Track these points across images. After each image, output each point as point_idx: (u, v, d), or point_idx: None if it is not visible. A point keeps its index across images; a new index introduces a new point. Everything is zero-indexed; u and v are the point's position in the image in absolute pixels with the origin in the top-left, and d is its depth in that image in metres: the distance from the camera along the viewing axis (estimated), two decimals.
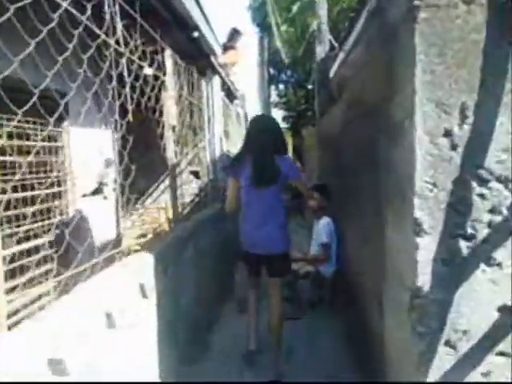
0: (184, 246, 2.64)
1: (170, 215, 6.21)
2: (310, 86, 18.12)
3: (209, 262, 3.36)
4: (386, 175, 1.75)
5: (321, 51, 5.34)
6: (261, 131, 2.68)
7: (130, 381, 1.66)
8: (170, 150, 2.86)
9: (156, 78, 2.73)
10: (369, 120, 2.17)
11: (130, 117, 2.10)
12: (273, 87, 19.40)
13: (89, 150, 3.18)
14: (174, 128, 2.83)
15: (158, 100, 2.75)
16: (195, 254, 2.85)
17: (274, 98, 19.83)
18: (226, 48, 6.92)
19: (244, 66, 7.36)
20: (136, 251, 2.36)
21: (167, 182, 6.65)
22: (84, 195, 3.17)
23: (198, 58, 3.77)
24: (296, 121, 17.14)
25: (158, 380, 2.03)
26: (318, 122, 5.53)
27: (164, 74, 2.81)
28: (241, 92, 6.82)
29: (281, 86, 19.28)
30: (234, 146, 5.90)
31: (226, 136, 5.35)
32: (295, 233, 8.93)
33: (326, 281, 3.80)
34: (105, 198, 3.51)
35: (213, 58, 4.10)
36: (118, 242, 3.53)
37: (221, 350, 2.98)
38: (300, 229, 7.61)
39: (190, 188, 6.88)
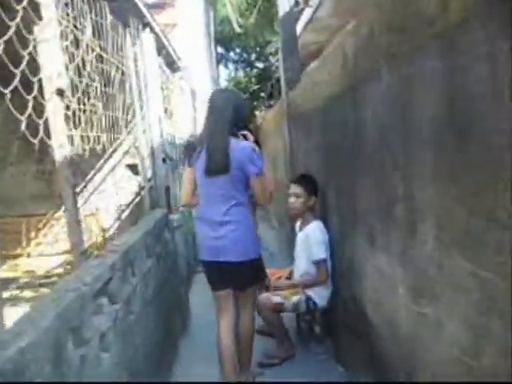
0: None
1: (103, 224, 4.88)
2: (261, 66, 17.03)
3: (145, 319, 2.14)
4: None
5: (284, 3, 4.17)
6: (218, 109, 2.20)
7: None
8: (60, 133, 1.60)
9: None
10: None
11: None
12: (222, 68, 18.10)
13: None
14: (61, 93, 1.57)
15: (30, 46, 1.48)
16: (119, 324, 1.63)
17: (223, 79, 18.54)
18: (161, 6, 5.56)
19: (187, 32, 6.00)
20: None
21: (98, 178, 5.28)
22: None
23: None
24: (248, 104, 15.95)
25: None
26: (285, 97, 4.38)
27: None
28: (185, 64, 5.50)
29: (230, 67, 17.98)
30: (179, 129, 4.62)
31: (168, 116, 4.06)
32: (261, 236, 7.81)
33: (319, 310, 2.70)
34: None
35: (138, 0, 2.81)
36: None
37: None
38: (269, 230, 6.48)
39: (129, 186, 5.56)
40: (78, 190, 5.21)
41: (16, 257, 4.66)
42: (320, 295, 2.64)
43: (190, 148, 2.32)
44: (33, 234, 4.82)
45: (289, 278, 2.97)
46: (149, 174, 3.20)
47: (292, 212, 2.77)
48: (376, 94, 1.63)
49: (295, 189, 2.72)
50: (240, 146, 2.10)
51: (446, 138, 1.15)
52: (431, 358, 1.34)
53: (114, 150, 4.76)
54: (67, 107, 1.62)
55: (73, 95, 1.69)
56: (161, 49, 3.96)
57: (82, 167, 5.10)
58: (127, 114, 3.09)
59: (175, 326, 2.92)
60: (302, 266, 2.76)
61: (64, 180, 1.59)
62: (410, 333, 1.47)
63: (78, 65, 1.77)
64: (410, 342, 1.48)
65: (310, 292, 2.64)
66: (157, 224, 2.61)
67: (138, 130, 3.03)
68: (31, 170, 5.08)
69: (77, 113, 1.78)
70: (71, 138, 1.67)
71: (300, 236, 2.79)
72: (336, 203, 2.47)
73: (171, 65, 4.92)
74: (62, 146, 1.59)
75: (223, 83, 17.84)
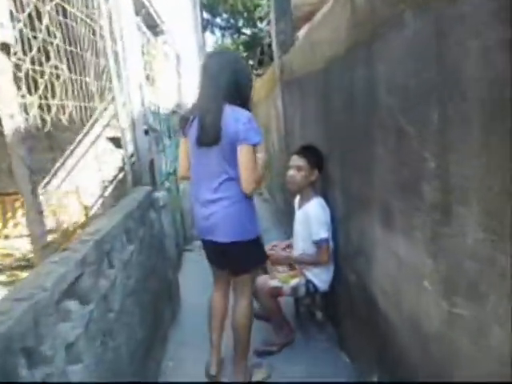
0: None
1: (85, 202, 4.56)
2: (249, 32, 16.34)
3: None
4: None
5: None
6: (212, 73, 1.95)
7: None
8: (9, 100, 1.29)
9: None
10: None
11: None
12: (208, 35, 17.35)
13: None
14: (7, 48, 1.24)
15: None
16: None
17: (209, 46, 17.86)
18: None
19: None
20: None
21: (77, 154, 4.92)
22: None
23: None
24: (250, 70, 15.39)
25: None
26: (278, 63, 4.03)
27: None
28: (168, 27, 5.06)
29: (217, 34, 17.25)
30: (163, 98, 4.26)
31: (150, 83, 3.71)
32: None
33: (319, 294, 2.48)
34: None
35: None
36: None
37: None
38: (261, 204, 6.21)
39: (112, 160, 5.20)
40: (56, 166, 4.87)
41: None
42: (320, 278, 2.41)
43: (185, 118, 2.09)
44: (9, 214, 4.50)
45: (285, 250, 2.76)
46: (130, 148, 2.89)
47: (291, 186, 2.48)
48: (398, 46, 1.34)
49: (297, 161, 2.41)
50: (235, 115, 1.85)
51: (499, 97, 0.88)
52: (464, 364, 1.12)
53: (95, 121, 4.39)
54: (17, 67, 1.30)
55: (25, 53, 1.36)
56: (140, 8, 3.56)
57: (58, 141, 4.74)
58: (102, 81, 2.75)
59: (164, 315, 2.68)
60: (300, 245, 2.51)
61: (16, 158, 1.29)
62: (438, 333, 1.24)
63: (30, 16, 1.43)
64: (437, 343, 1.25)
65: (310, 274, 2.41)
66: (140, 204, 2.32)
67: (116, 98, 2.69)
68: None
69: (33, 76, 1.46)
70: (25, 106, 1.35)
71: (299, 214, 2.53)
72: (340, 177, 2.21)
73: (153, 28, 4.51)
74: (12, 115, 1.28)
75: (209, 50, 17.21)
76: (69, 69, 1.87)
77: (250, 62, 13.85)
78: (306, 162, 2.38)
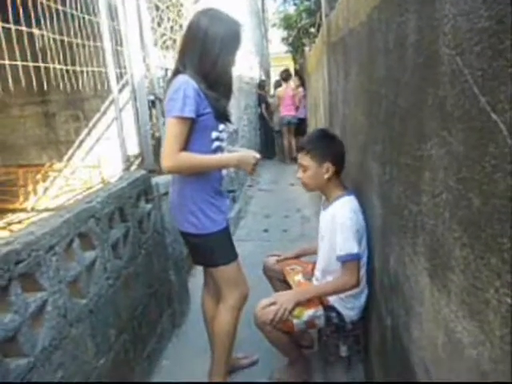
0: None
1: (106, 176, 4.24)
2: None
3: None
4: None
5: None
6: (186, 37, 1.64)
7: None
8: None
9: None
10: None
11: None
12: (269, 2, 16.42)
13: None
14: None
15: None
16: None
17: (270, 13, 16.99)
18: None
19: None
20: None
21: (102, 125, 4.56)
22: None
23: None
24: (296, 40, 14.40)
25: None
26: (325, 21, 3.33)
27: None
28: None
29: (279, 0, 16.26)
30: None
31: (172, 46, 3.18)
32: (279, 172, 6.97)
33: (347, 325, 1.89)
34: None
35: None
36: None
37: None
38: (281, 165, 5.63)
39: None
40: (80, 138, 4.58)
41: (13, 211, 4.20)
42: (347, 305, 1.82)
43: None
44: (31, 187, 4.30)
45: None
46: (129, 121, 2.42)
47: (307, 188, 1.90)
48: None
49: (300, 159, 1.84)
50: (173, 84, 1.59)
51: None
52: None
53: (122, 88, 3.91)
54: None
55: None
56: None
57: (84, 109, 4.42)
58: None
59: (159, 323, 2.25)
60: (322, 259, 1.92)
61: None
62: None
63: None
64: None
65: (333, 300, 1.83)
66: (118, 196, 1.85)
67: (106, 58, 2.21)
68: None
69: None
70: None
71: (323, 216, 1.93)
72: (380, 175, 1.56)
73: None
74: None
75: (269, 17, 16.34)
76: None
77: (311, 30, 12.87)
78: (310, 159, 1.79)
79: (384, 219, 1.50)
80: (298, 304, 1.75)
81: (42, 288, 1.25)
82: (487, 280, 0.68)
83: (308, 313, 1.78)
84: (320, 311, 1.79)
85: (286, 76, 8.11)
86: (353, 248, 1.70)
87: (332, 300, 1.82)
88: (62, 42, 1.93)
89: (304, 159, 1.81)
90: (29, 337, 1.18)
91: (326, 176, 1.79)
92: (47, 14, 1.87)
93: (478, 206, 0.71)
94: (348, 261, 1.71)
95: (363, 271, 1.77)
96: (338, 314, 1.82)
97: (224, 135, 1.75)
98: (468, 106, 0.75)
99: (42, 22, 1.84)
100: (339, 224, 1.74)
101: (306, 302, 1.78)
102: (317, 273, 1.98)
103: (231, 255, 1.79)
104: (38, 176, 4.30)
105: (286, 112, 7.86)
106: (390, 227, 1.40)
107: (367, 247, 1.78)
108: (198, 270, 3.16)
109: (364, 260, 1.78)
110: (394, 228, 1.33)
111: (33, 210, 4.38)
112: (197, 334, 2.31)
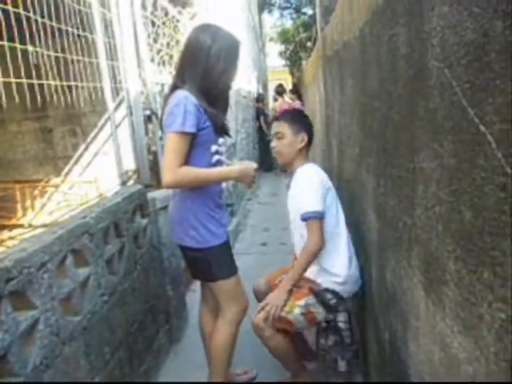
0: None
1: (103, 191, 4.22)
2: (311, 12, 15.37)
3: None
4: None
5: None
6: (185, 52, 1.64)
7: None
8: None
9: None
10: None
11: None
12: (266, 17, 16.61)
13: None
14: None
15: None
16: None
17: (268, 27, 17.20)
18: None
19: None
20: None
21: (100, 140, 4.56)
22: None
23: None
24: (294, 54, 14.56)
25: None
26: (320, 35, 3.36)
27: None
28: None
29: (275, 14, 16.47)
30: None
31: (170, 63, 3.20)
32: (277, 185, 6.96)
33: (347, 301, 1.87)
34: None
35: None
36: None
37: None
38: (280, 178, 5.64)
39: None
40: (78, 153, 4.58)
41: (10, 228, 4.18)
42: (338, 280, 1.78)
43: None
44: (28, 203, 4.29)
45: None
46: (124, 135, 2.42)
47: (279, 160, 1.97)
48: None
49: (277, 127, 1.92)
50: (172, 99, 1.57)
51: None
52: None
53: (119, 104, 3.91)
54: None
55: None
56: None
57: (82, 125, 4.43)
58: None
59: (155, 339, 2.22)
60: (297, 240, 1.92)
61: None
62: None
63: None
64: None
65: (323, 282, 1.80)
66: (113, 212, 1.84)
67: (102, 74, 2.22)
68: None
69: None
70: None
71: (289, 197, 1.95)
72: (382, 187, 1.55)
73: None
74: None
75: (267, 32, 16.53)
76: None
77: (308, 44, 13.02)
78: (288, 126, 1.88)
79: (380, 232, 1.49)
80: (290, 295, 1.75)
81: (34, 306, 1.24)
82: (480, 294, 0.67)
83: (299, 304, 1.76)
84: (311, 299, 1.77)
85: (280, 90, 8.32)
86: (313, 206, 1.73)
87: (321, 282, 1.80)
88: (57, 58, 1.94)
89: (282, 126, 1.89)
90: (19, 356, 1.16)
91: (300, 146, 1.88)
92: (41, 32, 1.88)
93: (470, 219, 0.70)
94: (310, 218, 1.72)
95: (324, 230, 1.76)
96: (334, 292, 1.79)
97: (223, 149, 1.75)
98: (457, 118, 0.74)
99: (37, 39, 1.85)
100: (301, 186, 1.81)
101: (295, 295, 1.77)
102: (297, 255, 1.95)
103: (231, 269, 1.77)
104: (36, 192, 4.29)
105: None
106: (386, 240, 1.39)
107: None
108: (197, 285, 3.11)
109: (331, 222, 1.80)
110: (390, 241, 1.32)
111: (30, 226, 4.36)
112: (195, 348, 2.27)
